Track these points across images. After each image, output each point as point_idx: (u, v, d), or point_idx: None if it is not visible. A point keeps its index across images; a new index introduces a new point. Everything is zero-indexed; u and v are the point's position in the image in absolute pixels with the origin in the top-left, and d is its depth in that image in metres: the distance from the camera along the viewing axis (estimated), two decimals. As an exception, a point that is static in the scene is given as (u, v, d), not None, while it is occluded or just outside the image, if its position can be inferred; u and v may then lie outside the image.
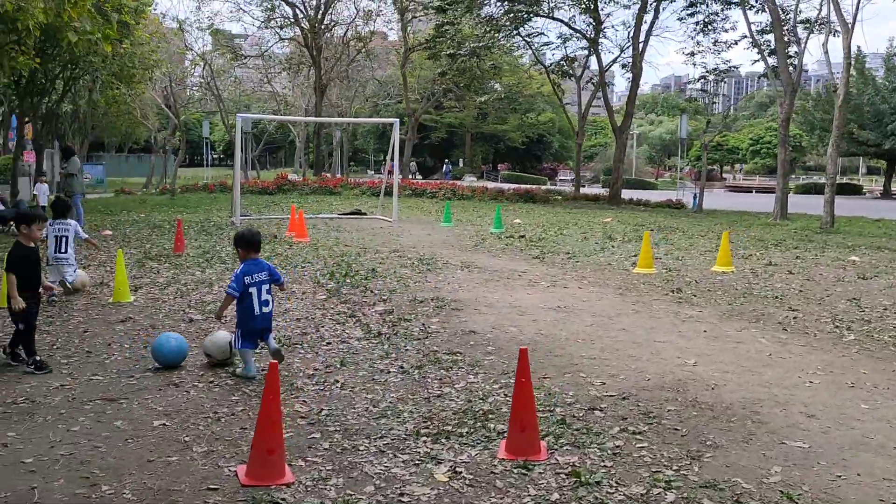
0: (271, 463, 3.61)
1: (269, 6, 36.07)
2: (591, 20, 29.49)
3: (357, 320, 7.25)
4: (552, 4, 28.13)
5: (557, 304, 8.23)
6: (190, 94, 44.29)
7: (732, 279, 10.21)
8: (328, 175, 52.02)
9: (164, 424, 4.42)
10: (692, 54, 31.33)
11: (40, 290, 5.93)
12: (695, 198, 35.29)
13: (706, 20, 29.14)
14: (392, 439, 4.22)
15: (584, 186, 64.62)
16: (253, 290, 5.33)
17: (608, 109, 31.04)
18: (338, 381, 5.31)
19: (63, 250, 8.51)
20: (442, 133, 67.66)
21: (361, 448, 4.10)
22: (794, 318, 7.71)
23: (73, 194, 16.45)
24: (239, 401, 4.91)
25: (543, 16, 28.71)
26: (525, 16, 26.03)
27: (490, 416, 4.58)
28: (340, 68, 46.18)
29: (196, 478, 3.69)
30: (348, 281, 9.37)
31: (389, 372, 5.56)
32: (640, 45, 29.50)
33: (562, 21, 29.39)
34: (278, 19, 36.67)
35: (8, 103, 27.83)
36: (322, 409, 4.72)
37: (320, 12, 35.77)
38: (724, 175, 78.90)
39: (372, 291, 8.71)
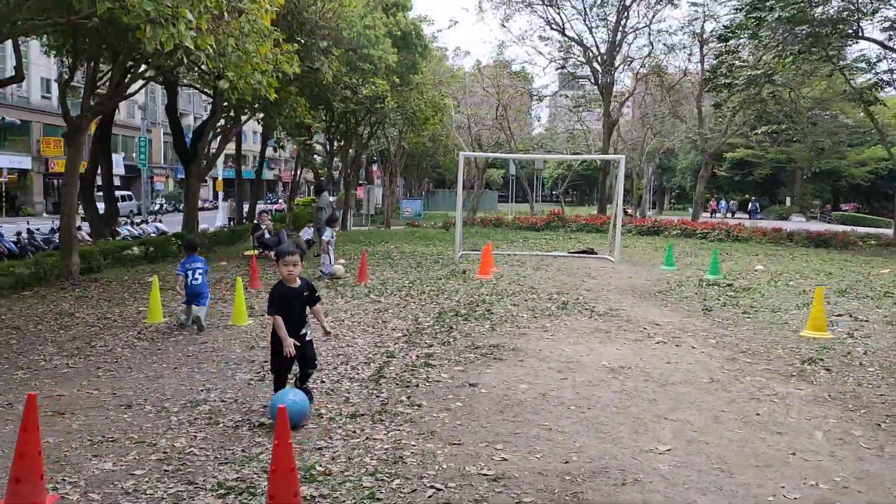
0: (19, 490, 3.80)
1: (565, 47, 36.72)
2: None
3: (387, 360, 7.16)
4: (860, 23, 24.47)
5: (626, 363, 7.24)
6: (497, 136, 46.71)
7: (926, 354, 8.02)
8: (633, 214, 51.16)
9: (48, 441, 4.85)
10: None
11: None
12: None
13: None
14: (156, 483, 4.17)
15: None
16: (189, 272, 8.78)
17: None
18: (246, 423, 5.34)
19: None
20: (765, 169, 62.34)
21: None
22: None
23: (321, 226, 18.49)
24: (136, 427, 5.20)
25: (852, 37, 25.07)
26: (812, 41, 22.93)
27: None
28: (643, 107, 45.27)
29: (-22, 490, 4.03)
30: (447, 321, 9.23)
31: (322, 417, 5.43)
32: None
33: (873, 41, 25.47)
34: (571, 60, 37.12)
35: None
36: (175, 445, 4.80)
37: (613, 50, 35.44)
38: None
39: (451, 332, 8.49)
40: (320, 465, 4.43)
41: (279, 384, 5.46)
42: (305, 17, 15.73)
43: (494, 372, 6.77)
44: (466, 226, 31.36)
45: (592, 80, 36.74)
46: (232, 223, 30.35)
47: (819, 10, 22.04)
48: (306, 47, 16.06)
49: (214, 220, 34.50)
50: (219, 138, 18.77)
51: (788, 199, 67.09)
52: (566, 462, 4.59)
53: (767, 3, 23.93)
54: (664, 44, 37.42)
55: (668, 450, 4.88)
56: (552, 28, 35.52)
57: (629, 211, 56.06)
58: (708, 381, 6.71)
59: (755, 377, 6.87)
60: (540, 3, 34.84)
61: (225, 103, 17.75)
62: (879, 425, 5.52)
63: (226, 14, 9.61)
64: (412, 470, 4.40)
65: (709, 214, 64.63)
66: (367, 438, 4.94)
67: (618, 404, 5.86)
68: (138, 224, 31.24)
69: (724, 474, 4.49)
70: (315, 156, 38.47)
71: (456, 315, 9.64)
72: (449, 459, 4.58)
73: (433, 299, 11.10)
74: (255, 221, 19.74)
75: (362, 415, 5.48)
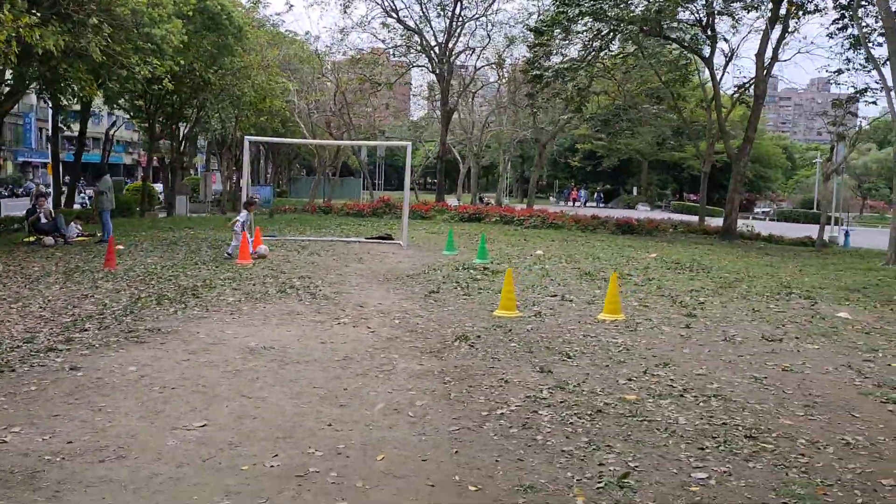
0: None
1: (405, 35, 36.79)
2: (706, 39, 26.85)
3: (18, 346, 6.89)
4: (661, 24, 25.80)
5: (276, 344, 7.30)
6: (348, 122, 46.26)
7: (590, 330, 8.50)
8: (489, 202, 52.16)
9: None
10: (839, 72, 27.50)
11: None
12: (847, 235, 31.09)
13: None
14: None
15: (763, 220, 59.32)
16: None
17: (723, 132, 27.89)
18: None
19: None
20: (613, 161, 65.10)
21: None
22: (501, 384, 6.15)
23: (102, 210, 17.74)
24: None
25: (654, 35, 26.43)
26: (610, 36, 24.14)
27: None
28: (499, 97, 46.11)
29: None
30: (138, 304, 9.03)
31: None
32: (766, 64, 26.29)
33: (673, 41, 27.01)
34: (413, 48, 37.26)
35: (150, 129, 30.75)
36: None
37: (451, 40, 35.83)
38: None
39: (125, 316, 8.30)
40: None
41: None
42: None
43: (119, 356, 6.64)
44: (296, 212, 31.01)
45: (430, 69, 37.12)
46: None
47: (614, 12, 23.11)
48: (77, 23, 15.32)
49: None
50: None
51: (635, 189, 70.31)
52: (70, 442, 4.53)
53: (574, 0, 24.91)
54: (505, 35, 37.95)
55: (203, 426, 4.92)
56: (389, 16, 35.58)
57: (485, 199, 57.21)
58: (340, 359, 6.85)
59: (391, 354, 7.08)
60: (375, -11, 34.80)
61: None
62: (449, 395, 5.79)
63: None
64: None
65: (571, 203, 66.91)
66: None
67: (209, 383, 5.88)
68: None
69: (227, 447, 4.57)
70: (161, 140, 36.94)
71: (158, 298, 9.44)
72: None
73: (159, 284, 10.82)
74: (32, 205, 18.71)
75: None
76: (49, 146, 49.54)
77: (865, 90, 26.65)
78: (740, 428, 5.22)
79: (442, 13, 35.81)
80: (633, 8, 23.74)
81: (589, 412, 5.46)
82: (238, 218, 14.38)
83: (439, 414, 5.36)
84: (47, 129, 63.95)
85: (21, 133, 68.92)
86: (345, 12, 39.35)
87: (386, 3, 35.21)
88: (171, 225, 23.16)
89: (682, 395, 5.96)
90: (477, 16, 36.30)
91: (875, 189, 70.34)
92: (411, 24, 35.71)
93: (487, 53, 39.11)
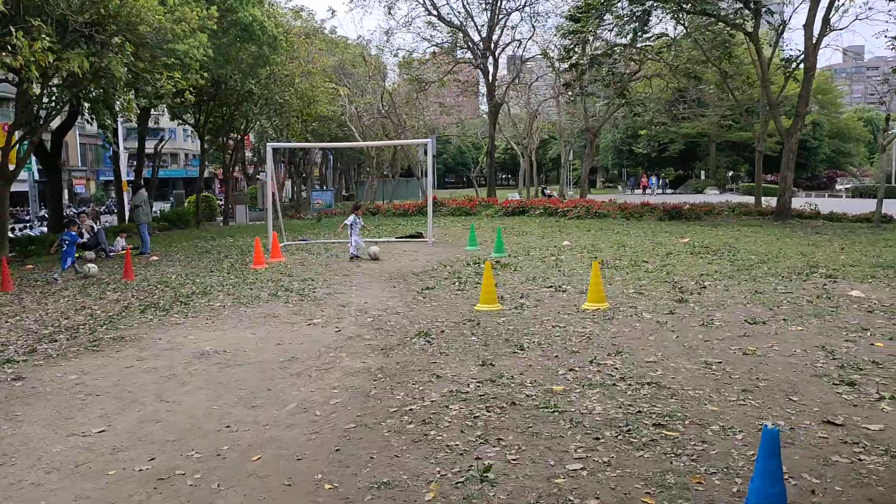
0: None
1: (451, 31, 36.71)
2: (749, 13, 25.76)
3: (-13, 359, 7.16)
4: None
5: (232, 346, 7.36)
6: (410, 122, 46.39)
7: (563, 320, 8.25)
8: (551, 194, 51.63)
9: None
10: (898, 36, 25.91)
11: None
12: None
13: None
14: None
15: (841, 196, 56.75)
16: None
17: (772, 109, 26.69)
18: None
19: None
20: (679, 145, 63.24)
21: None
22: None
23: (140, 223, 18.36)
24: None
25: (695, 13, 25.52)
26: (644, 17, 23.45)
27: None
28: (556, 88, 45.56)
29: None
30: (123, 315, 9.25)
31: None
32: (816, 35, 24.99)
33: (712, 16, 26.00)
34: (457, 44, 37.15)
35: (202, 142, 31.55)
36: None
37: (493, 33, 35.56)
38: None
39: (103, 326, 8.51)
40: None
41: None
42: (102, 14, 15.52)
43: (69, 365, 6.82)
44: (344, 215, 31.36)
45: (474, 65, 36.93)
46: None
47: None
48: (101, 44, 15.90)
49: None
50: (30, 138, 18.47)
51: (703, 173, 68.12)
52: (-39, 450, 4.66)
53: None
54: (555, 27, 37.40)
55: (101, 431, 4.99)
56: (430, 14, 35.57)
57: (548, 192, 56.61)
58: (286, 359, 6.85)
59: (340, 353, 7.03)
60: (415, -12, 34.82)
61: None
62: (369, 393, 5.69)
63: None
64: None
65: (641, 191, 65.30)
66: None
67: (136, 389, 5.96)
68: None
69: (110, 452, 4.61)
70: (219, 151, 38.04)
71: (146, 307, 9.67)
72: None
73: (161, 293, 11.09)
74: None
75: None
76: (129, 165, 51.67)
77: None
78: (653, 416, 4.94)
79: (485, 7, 35.54)
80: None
81: (502, 405, 5.27)
82: (346, 222, 15.32)
83: (347, 412, 5.27)
84: (129, 149, 66.75)
85: (101, 154, 72.16)
86: (389, 13, 39.63)
87: (427, 2, 35.19)
88: (215, 234, 23.77)
89: (614, 385, 5.69)
90: (520, 6, 35.88)
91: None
92: (454, 20, 35.58)
93: (535, 46, 38.74)
